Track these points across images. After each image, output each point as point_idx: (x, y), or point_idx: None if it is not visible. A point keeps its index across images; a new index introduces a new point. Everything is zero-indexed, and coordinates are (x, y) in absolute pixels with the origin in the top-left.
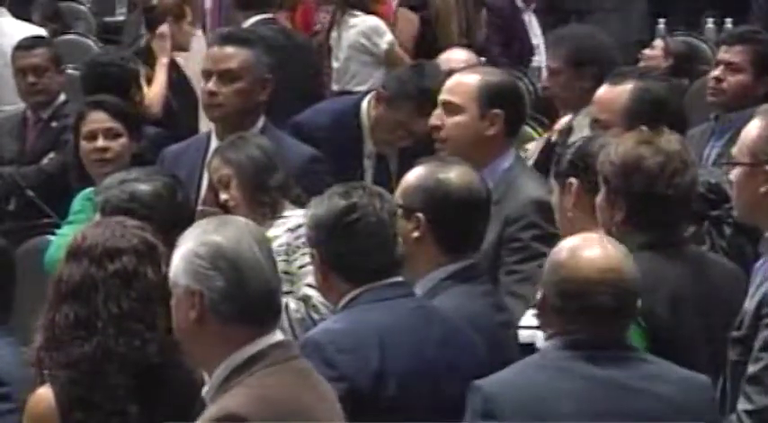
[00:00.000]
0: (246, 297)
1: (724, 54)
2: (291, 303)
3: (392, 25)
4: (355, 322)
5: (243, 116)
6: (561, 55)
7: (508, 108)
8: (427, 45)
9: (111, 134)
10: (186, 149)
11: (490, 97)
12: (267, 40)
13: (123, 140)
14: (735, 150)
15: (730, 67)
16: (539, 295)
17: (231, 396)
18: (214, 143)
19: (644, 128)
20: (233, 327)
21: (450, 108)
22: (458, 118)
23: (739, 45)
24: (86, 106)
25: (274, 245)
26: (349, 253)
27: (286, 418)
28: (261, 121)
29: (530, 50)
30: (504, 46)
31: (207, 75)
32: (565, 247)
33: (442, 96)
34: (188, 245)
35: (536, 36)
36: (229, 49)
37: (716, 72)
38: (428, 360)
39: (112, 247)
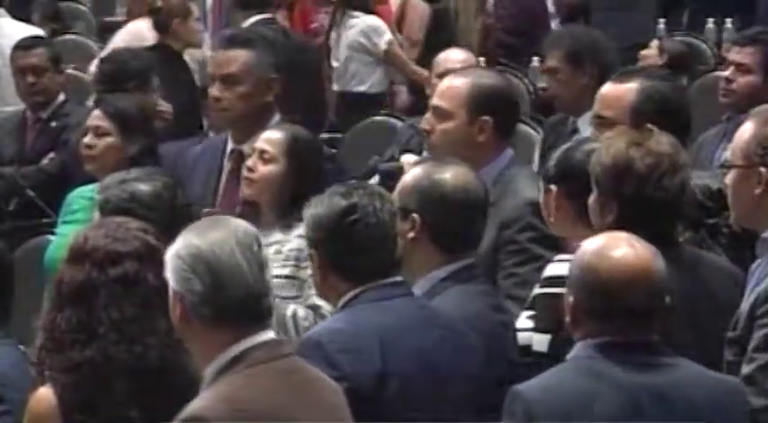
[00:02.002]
0: (224, 301)
1: (735, 55)
2: (300, 311)
3: (400, 17)
4: (355, 322)
5: (252, 118)
6: (558, 53)
7: (498, 114)
8: (442, 40)
9: (98, 132)
10: (205, 152)
11: (479, 103)
12: (267, 40)
13: (110, 139)
14: (728, 153)
15: (741, 67)
16: (569, 299)
17: (199, 398)
18: (230, 146)
19: (651, 126)
20: (215, 329)
21: (440, 113)
22: (447, 124)
23: (750, 46)
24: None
25: (284, 249)
26: (349, 253)
27: (253, 419)
28: (275, 120)
29: None
30: (510, 47)
31: (212, 80)
32: (592, 247)
33: (433, 100)
34: (174, 247)
35: None
36: (230, 53)
37: (727, 73)
38: (428, 359)
39: (114, 251)
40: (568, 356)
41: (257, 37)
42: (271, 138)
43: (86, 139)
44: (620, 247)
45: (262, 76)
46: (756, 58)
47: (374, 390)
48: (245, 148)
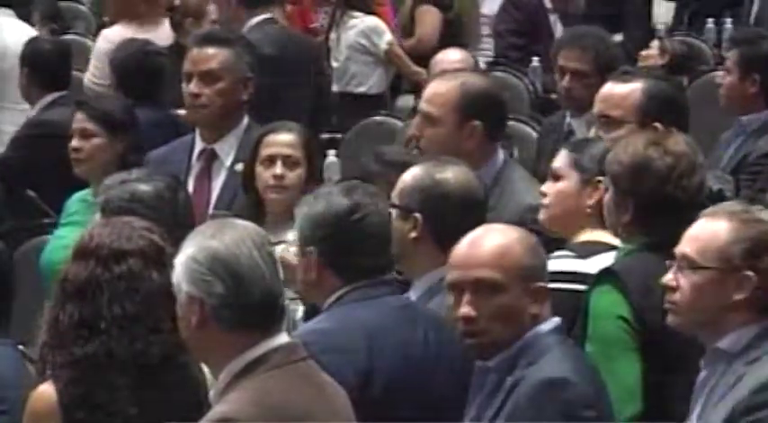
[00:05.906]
0: (247, 303)
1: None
2: None
3: (411, 21)
4: (340, 321)
5: (226, 116)
6: (589, 59)
7: (487, 117)
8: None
9: (84, 134)
10: (171, 153)
11: (468, 108)
12: (269, 39)
13: (97, 141)
14: (693, 253)
15: (725, 70)
16: None
17: (227, 401)
18: (198, 146)
19: (658, 125)
20: (235, 332)
21: (428, 118)
22: (436, 130)
23: (733, 48)
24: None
25: (293, 249)
26: (350, 251)
27: (282, 419)
28: (245, 121)
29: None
30: (516, 47)
31: (188, 77)
32: None
33: (421, 106)
34: (187, 251)
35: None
36: (209, 50)
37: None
38: (414, 358)
39: (119, 248)
40: None
41: (234, 36)
42: (290, 142)
43: (73, 143)
44: (479, 232)
45: (239, 74)
46: (733, 58)
47: (360, 389)
48: (217, 147)
